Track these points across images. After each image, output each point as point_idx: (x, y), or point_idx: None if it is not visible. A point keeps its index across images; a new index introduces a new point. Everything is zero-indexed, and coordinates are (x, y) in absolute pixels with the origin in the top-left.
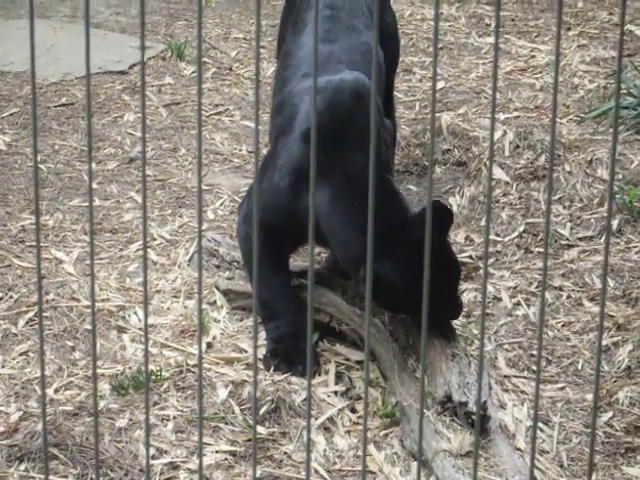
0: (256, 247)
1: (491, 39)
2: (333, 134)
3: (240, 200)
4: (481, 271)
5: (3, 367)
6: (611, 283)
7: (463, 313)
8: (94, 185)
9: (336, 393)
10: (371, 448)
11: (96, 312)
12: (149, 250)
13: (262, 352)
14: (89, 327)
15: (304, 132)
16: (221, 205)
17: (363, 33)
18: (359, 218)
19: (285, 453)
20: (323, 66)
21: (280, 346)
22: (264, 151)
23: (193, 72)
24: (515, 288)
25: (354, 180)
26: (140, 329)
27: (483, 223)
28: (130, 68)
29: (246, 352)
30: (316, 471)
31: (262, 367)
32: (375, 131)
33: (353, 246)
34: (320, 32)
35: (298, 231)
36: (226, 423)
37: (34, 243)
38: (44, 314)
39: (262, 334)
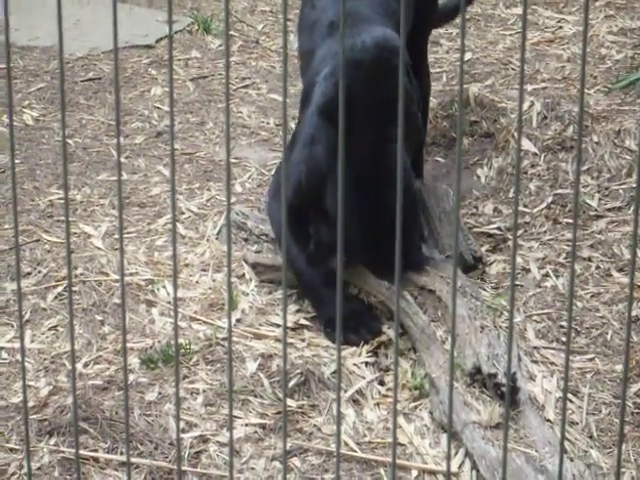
0: (285, 230)
1: (518, 10)
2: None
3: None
4: (510, 242)
5: (32, 342)
6: None
7: (492, 284)
8: (122, 159)
9: (366, 364)
10: (400, 420)
11: (125, 286)
12: (177, 224)
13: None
14: (118, 301)
15: (320, 106)
16: (249, 178)
17: None
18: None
19: (315, 426)
20: (346, 22)
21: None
22: (292, 124)
23: (220, 45)
24: (544, 259)
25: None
26: (169, 303)
27: (511, 195)
28: (157, 42)
29: (276, 325)
30: (346, 443)
31: (293, 338)
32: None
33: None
34: None
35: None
36: (255, 396)
37: (62, 218)
38: (73, 289)
39: (291, 307)
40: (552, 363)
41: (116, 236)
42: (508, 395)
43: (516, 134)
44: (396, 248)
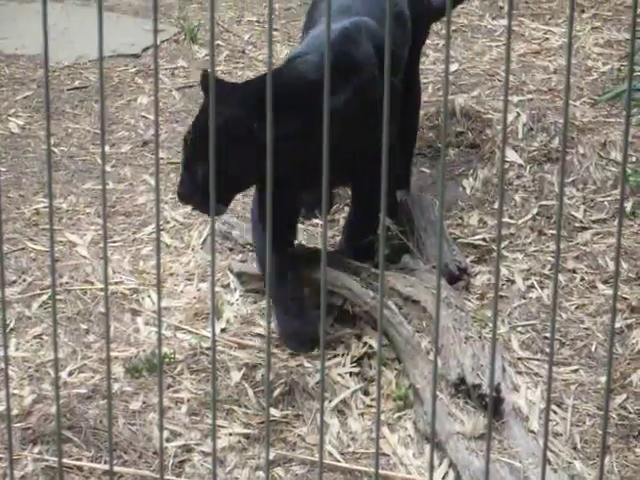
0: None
1: (505, 21)
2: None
3: None
4: (494, 253)
5: (17, 350)
6: (624, 265)
7: (477, 295)
8: (107, 168)
9: (350, 374)
10: (385, 430)
11: (110, 295)
12: (162, 233)
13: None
14: (103, 310)
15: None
16: None
17: None
18: None
19: (299, 436)
20: (339, 17)
21: (290, 326)
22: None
23: (206, 55)
24: (529, 270)
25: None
26: (154, 312)
27: (497, 206)
28: (143, 51)
29: (261, 335)
30: (330, 453)
31: (278, 348)
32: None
33: None
34: None
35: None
36: (239, 406)
37: (48, 226)
38: (58, 297)
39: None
40: (536, 374)
41: (101, 245)
42: (491, 405)
43: (501, 145)
44: (380, 246)
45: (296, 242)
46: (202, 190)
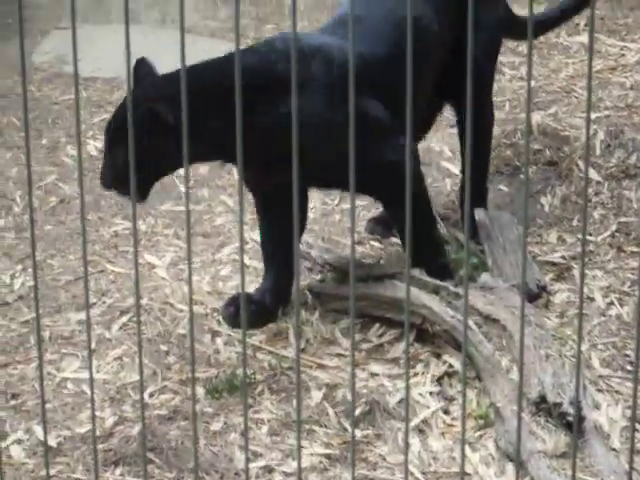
0: None
1: (581, 38)
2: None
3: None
4: (574, 271)
5: (98, 372)
6: None
7: (557, 313)
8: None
9: (431, 394)
10: (466, 449)
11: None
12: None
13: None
14: (183, 331)
15: None
16: (312, 208)
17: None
18: None
19: (380, 455)
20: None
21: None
22: None
23: None
24: (608, 288)
25: None
26: (234, 332)
27: (575, 223)
28: None
29: (342, 355)
30: (411, 473)
31: (357, 368)
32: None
33: None
34: None
35: None
36: (320, 426)
37: (127, 248)
38: None
39: (357, 336)
40: (617, 392)
41: (180, 266)
42: (576, 424)
43: (580, 162)
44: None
45: (372, 262)
46: (123, 176)
